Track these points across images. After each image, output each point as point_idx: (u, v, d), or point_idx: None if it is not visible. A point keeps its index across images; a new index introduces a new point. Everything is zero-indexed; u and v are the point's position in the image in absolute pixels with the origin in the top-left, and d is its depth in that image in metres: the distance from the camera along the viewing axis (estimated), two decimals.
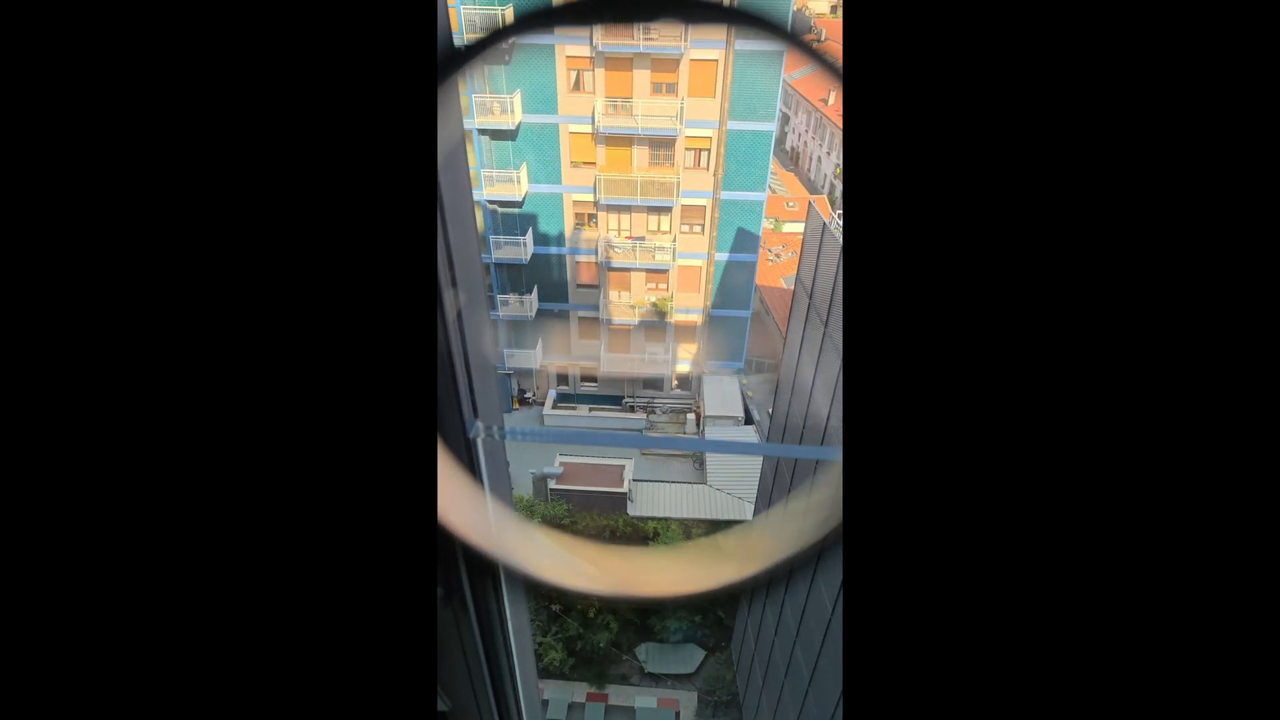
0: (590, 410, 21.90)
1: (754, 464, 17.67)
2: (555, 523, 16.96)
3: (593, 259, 19.48)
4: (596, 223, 18.87)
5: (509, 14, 15.47)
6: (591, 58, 16.46)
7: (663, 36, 15.94)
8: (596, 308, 20.21)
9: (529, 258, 18.87)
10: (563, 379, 22.19)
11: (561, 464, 17.75)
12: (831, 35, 51.30)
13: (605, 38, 15.91)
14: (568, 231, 19.07)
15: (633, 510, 17.16)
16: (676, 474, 19.62)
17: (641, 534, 16.75)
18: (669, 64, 16.51)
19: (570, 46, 16.33)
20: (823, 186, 38.30)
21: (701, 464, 19.50)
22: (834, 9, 63.05)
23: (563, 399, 22.31)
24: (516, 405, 22.23)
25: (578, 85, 16.97)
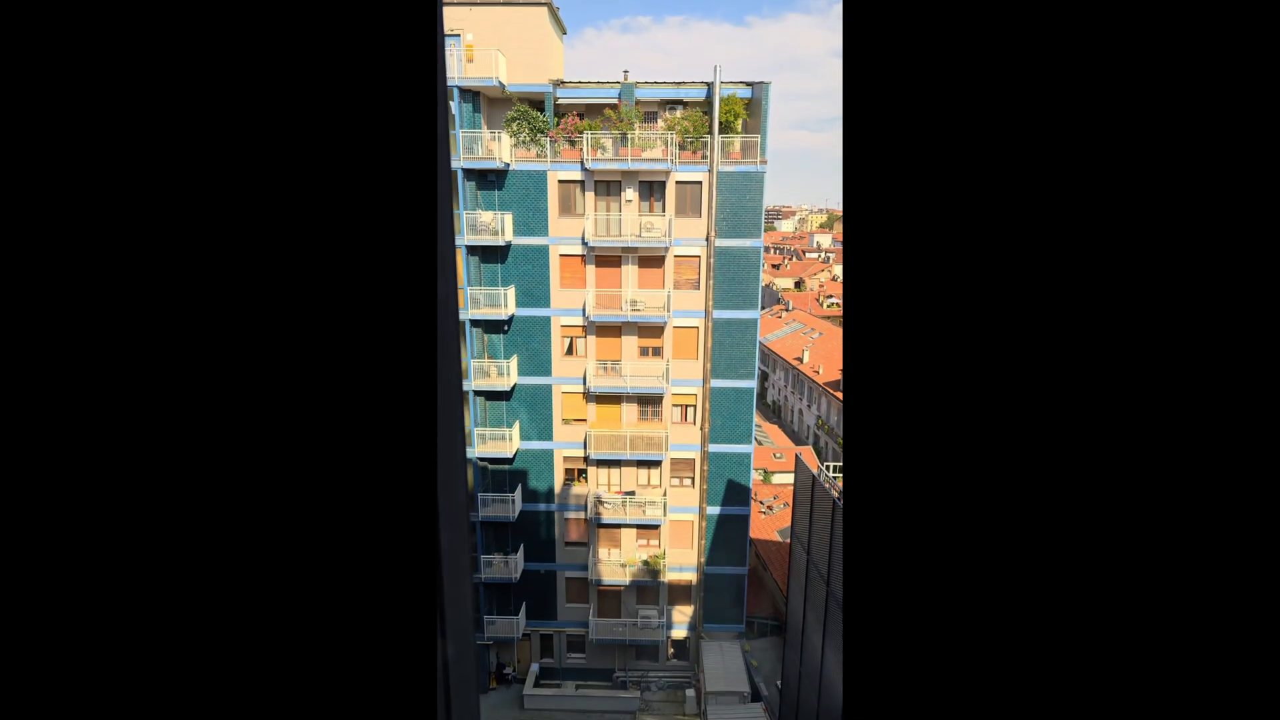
0: (577, 688, 19.47)
1: None
2: None
3: (581, 515, 19.04)
4: (586, 478, 18.84)
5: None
6: (584, 326, 18.03)
7: (647, 308, 17.69)
8: (585, 567, 19.18)
9: (516, 515, 18.43)
10: (547, 649, 20.11)
11: None
12: (797, 305, 57.68)
13: (596, 309, 17.63)
14: (557, 487, 18.93)
15: None
16: None
17: None
18: (654, 331, 18.06)
19: (564, 318, 17.99)
20: (806, 437, 39.45)
21: None
22: (798, 284, 71.90)
23: (546, 674, 19.96)
24: (494, 684, 19.77)
25: (570, 350, 18.30)
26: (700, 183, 17.15)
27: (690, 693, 18.90)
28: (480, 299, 17.48)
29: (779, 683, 13.98)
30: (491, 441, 18.16)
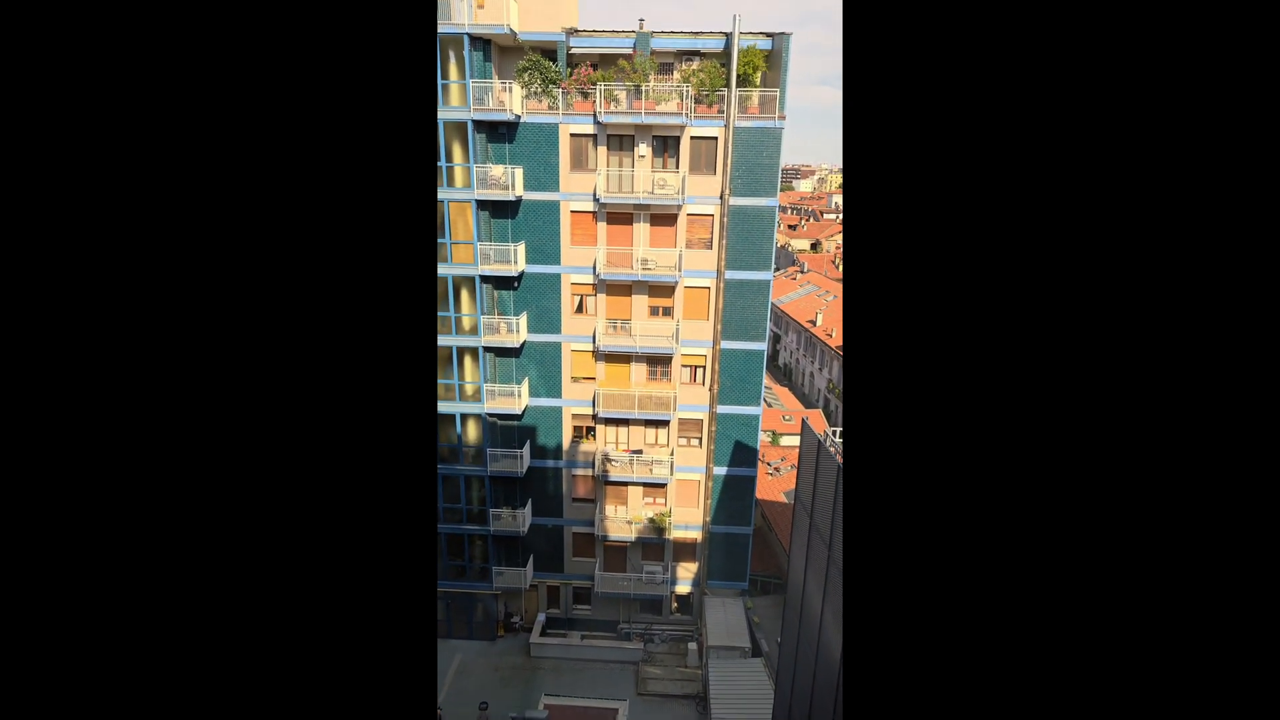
0: (583, 638, 20.01)
1: (764, 707, 15.64)
2: None
3: (589, 472, 19.22)
4: (594, 435, 18.95)
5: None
6: (594, 284, 17.86)
7: (658, 267, 17.46)
8: (592, 523, 19.46)
9: (524, 470, 18.64)
10: (553, 600, 20.60)
11: (546, 706, 15.68)
12: (813, 267, 56.75)
13: (607, 267, 17.42)
14: (565, 444, 19.07)
15: None
16: (676, 718, 17.25)
17: None
18: (665, 290, 17.87)
19: (574, 275, 17.81)
20: (816, 400, 39.34)
21: (704, 707, 17.23)
22: (814, 246, 70.76)
23: (553, 624, 20.49)
24: (501, 632, 20.35)
25: (580, 308, 18.19)
26: (716, 138, 16.69)
27: (692, 646, 19.36)
28: (490, 254, 17.32)
29: (780, 639, 14.26)
30: (500, 398, 18.25)
